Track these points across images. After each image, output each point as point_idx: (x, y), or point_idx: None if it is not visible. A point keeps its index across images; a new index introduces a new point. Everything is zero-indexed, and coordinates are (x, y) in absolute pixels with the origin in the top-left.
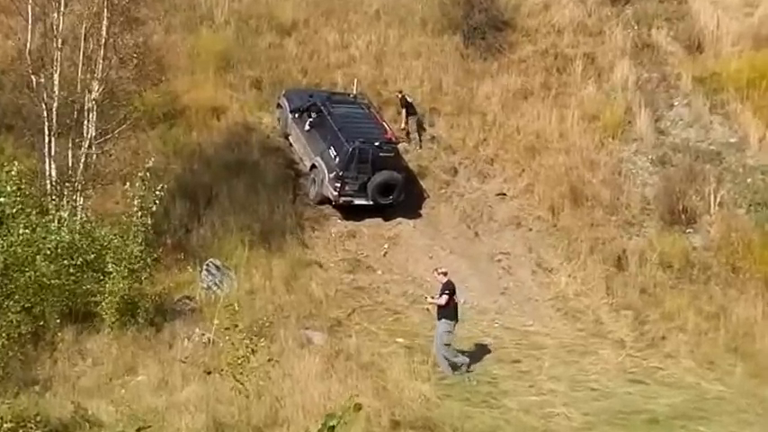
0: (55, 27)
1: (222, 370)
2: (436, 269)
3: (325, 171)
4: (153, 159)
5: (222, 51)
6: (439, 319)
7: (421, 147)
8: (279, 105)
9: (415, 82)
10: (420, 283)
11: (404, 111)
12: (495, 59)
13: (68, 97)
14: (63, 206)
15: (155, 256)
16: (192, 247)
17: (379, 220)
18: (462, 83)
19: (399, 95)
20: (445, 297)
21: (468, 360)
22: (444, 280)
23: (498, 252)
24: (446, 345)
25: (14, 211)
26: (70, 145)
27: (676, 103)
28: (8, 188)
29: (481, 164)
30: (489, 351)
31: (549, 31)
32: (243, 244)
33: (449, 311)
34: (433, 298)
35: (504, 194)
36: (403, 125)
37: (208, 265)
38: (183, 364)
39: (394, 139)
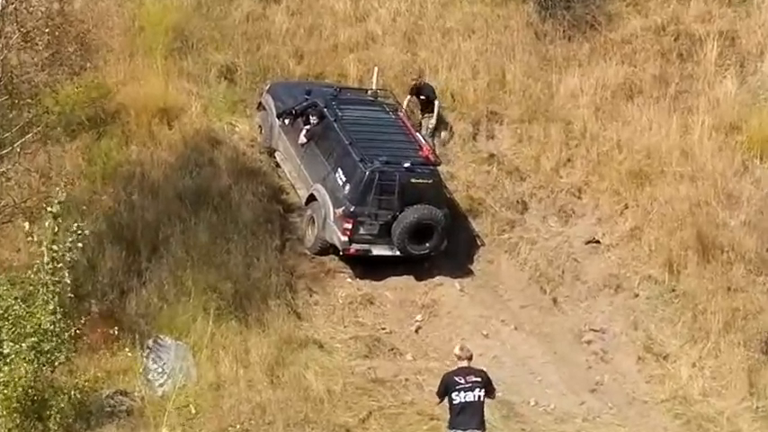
0: None
1: None
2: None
3: (330, 205)
4: (71, 186)
5: (176, 25)
6: None
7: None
8: (261, 106)
9: (466, 72)
10: None
11: (436, 104)
12: (585, 40)
13: None
14: None
15: (74, 330)
16: (130, 317)
17: (411, 278)
18: (536, 74)
19: (417, 81)
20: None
21: None
22: (460, 365)
23: (588, 329)
24: None
25: None
26: None
27: None
28: None
29: (563, 196)
30: None
31: None
32: (206, 313)
33: (450, 416)
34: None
35: (598, 242)
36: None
37: (153, 344)
38: None
39: (432, 158)
